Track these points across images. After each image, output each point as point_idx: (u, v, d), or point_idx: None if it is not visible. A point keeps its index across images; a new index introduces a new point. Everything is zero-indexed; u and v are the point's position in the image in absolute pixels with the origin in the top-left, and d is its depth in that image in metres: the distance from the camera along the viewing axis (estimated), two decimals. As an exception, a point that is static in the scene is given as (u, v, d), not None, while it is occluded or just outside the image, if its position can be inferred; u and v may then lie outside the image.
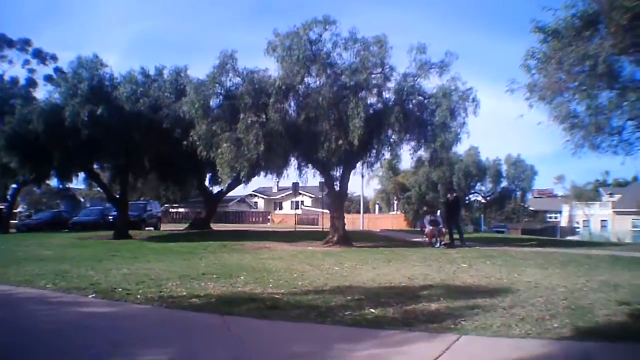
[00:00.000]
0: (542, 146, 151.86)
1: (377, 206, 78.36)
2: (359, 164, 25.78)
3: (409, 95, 22.86)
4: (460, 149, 28.45)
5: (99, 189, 69.35)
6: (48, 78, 48.01)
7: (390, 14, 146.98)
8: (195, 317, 7.70)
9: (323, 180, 25.64)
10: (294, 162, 25.28)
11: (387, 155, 25.94)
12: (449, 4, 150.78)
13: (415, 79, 22.78)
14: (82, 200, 67.88)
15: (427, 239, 23.39)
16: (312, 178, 26.87)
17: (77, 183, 36.24)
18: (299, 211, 72.55)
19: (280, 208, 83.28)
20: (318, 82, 22.48)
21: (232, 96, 22.46)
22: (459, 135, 22.57)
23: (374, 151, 25.12)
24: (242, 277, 11.63)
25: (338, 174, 25.36)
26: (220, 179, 22.84)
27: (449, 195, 24.92)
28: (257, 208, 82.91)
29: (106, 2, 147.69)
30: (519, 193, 68.43)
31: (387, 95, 23.11)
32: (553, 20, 20.27)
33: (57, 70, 47.46)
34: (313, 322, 7.28)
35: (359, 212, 61.71)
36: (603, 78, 20.39)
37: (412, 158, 26.17)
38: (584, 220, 79.43)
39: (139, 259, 16.45)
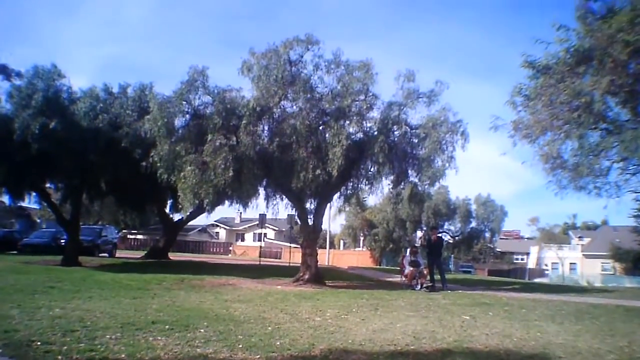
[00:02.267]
0: (511, 187, 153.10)
1: (342, 242, 76.61)
2: (335, 197, 23.99)
3: (394, 125, 21.12)
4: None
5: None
6: (11, 95, 45.66)
7: (374, 44, 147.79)
8: None
9: (296, 213, 23.64)
10: (264, 191, 23.46)
11: (366, 189, 24.18)
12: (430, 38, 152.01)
13: (402, 108, 21.13)
14: (38, 220, 64.69)
15: (406, 280, 21.95)
16: (284, 210, 25.23)
17: (31, 202, 33.69)
18: (262, 244, 70.61)
19: (243, 240, 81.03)
20: (296, 106, 20.70)
21: (200, 116, 20.58)
22: (447, 169, 20.79)
23: (352, 184, 23.44)
24: (202, 330, 9.25)
25: (312, 206, 23.43)
26: (181, 206, 20.60)
27: (432, 236, 23.11)
28: (218, 238, 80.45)
29: (75, 25, 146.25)
30: (487, 234, 67.38)
31: (371, 124, 21.30)
32: (543, 55, 19.51)
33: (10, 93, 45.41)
34: None
35: (324, 248, 60.09)
36: (592, 117, 19.45)
37: (391, 193, 24.55)
38: (552, 263, 79.10)
39: (80, 294, 14.06)
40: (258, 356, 7.56)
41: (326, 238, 57.05)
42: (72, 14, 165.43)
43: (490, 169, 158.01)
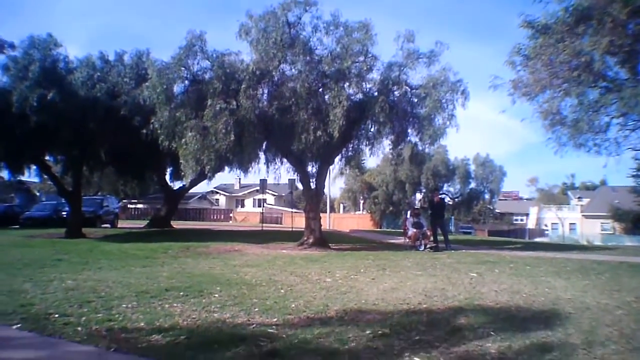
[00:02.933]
0: (509, 146, 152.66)
1: (342, 205, 76.71)
2: (337, 159, 23.88)
3: (395, 85, 20.97)
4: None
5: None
6: (4, 67, 45.24)
7: (372, 5, 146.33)
8: None
9: (298, 176, 23.49)
10: (264, 156, 23.21)
11: (366, 150, 24.06)
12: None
13: (402, 68, 20.89)
14: (37, 194, 64.47)
15: (409, 241, 21.99)
16: (286, 174, 25.19)
17: (30, 176, 33.47)
18: (263, 209, 70.66)
19: (242, 206, 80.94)
20: (295, 69, 20.44)
21: (199, 81, 20.31)
22: (447, 127, 20.63)
23: (353, 145, 23.30)
24: (216, 295, 9.26)
25: (314, 169, 23.31)
26: (183, 173, 20.43)
27: (434, 197, 23.05)
28: (218, 205, 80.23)
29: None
30: (487, 195, 67.54)
31: (370, 85, 21.12)
32: (542, 15, 19.61)
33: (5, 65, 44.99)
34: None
35: (324, 212, 60.06)
36: (591, 76, 19.45)
37: (391, 154, 24.44)
38: (552, 223, 79.21)
39: (90, 266, 14.02)
40: (275, 319, 7.53)
41: (326, 202, 57.05)
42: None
43: (489, 128, 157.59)
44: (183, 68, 20.07)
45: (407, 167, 58.39)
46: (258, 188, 75.08)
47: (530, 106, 21.32)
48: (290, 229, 33.10)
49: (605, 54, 18.30)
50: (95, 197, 41.89)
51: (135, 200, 65.40)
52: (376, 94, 20.27)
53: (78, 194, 28.61)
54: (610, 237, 60.13)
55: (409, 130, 22.05)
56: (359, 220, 60.85)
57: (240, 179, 78.35)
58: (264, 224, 39.75)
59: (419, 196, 65.06)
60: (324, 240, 22.02)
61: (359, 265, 14.69)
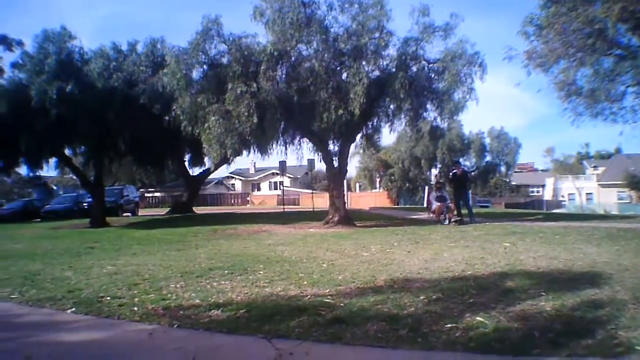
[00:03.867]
0: (522, 119, 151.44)
1: (357, 184, 76.66)
2: (358, 137, 23.87)
3: (412, 61, 20.92)
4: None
5: (72, 175, 67.48)
6: (15, 65, 45.41)
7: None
8: (234, 344, 5.45)
9: (320, 156, 23.41)
10: (284, 137, 23.21)
11: (386, 127, 24.02)
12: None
13: (419, 43, 20.77)
14: (55, 188, 64.92)
15: (434, 215, 22.02)
16: (308, 154, 25.10)
17: (49, 170, 33.62)
18: (278, 192, 70.72)
19: (259, 189, 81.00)
20: (312, 48, 20.37)
21: (218, 65, 20.33)
22: (467, 101, 20.48)
23: (373, 123, 23.38)
24: (261, 272, 9.40)
25: (335, 148, 23.26)
26: (207, 157, 20.52)
27: (456, 170, 23.00)
28: (234, 190, 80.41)
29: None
30: (502, 167, 67.36)
31: (388, 61, 21.00)
32: None
33: (21, 62, 45.11)
34: (414, 345, 5.17)
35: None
36: (606, 44, 19.33)
37: (411, 129, 24.43)
38: (569, 194, 78.75)
39: (124, 252, 14.20)
40: (327, 290, 7.65)
41: (351, 181, 57.15)
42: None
43: (501, 102, 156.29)
44: (201, 53, 20.05)
45: (423, 143, 58.53)
46: (273, 171, 76.07)
47: (545, 77, 21.21)
48: (312, 209, 33.18)
49: (618, 21, 18.14)
50: (114, 187, 42.05)
51: (153, 189, 65.78)
52: (395, 70, 20.12)
53: (100, 184, 28.86)
54: (627, 207, 59.47)
55: (428, 106, 21.96)
56: (376, 198, 60.78)
57: (255, 163, 78.62)
58: (284, 206, 39.90)
59: (434, 172, 64.97)
60: (349, 217, 22.06)
61: (391, 240, 14.75)
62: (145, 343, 5.62)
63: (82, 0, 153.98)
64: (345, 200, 45.92)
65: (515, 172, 79.14)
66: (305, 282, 8.28)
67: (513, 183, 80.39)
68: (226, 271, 9.58)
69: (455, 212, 21.30)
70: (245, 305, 6.77)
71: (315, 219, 23.85)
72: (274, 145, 22.95)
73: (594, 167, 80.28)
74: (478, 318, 5.83)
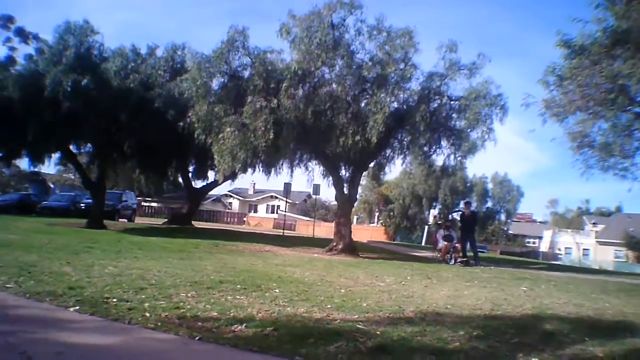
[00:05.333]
0: (522, 168, 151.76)
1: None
2: (370, 166, 23.46)
3: (435, 95, 20.63)
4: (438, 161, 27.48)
5: (70, 175, 66.82)
6: (29, 57, 45.28)
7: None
8: None
9: (332, 181, 22.96)
10: (298, 157, 23.07)
11: (399, 159, 23.79)
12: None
13: (443, 79, 20.54)
14: (52, 186, 64.40)
15: (439, 254, 21.59)
16: (317, 178, 24.80)
17: (49, 167, 33.21)
18: (275, 215, 70.37)
19: (256, 211, 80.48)
20: (336, 72, 20.02)
21: (239, 77, 20.09)
22: (486, 141, 20.17)
23: (386, 153, 23.11)
24: (276, 291, 8.86)
25: (347, 175, 22.87)
26: (216, 169, 20.05)
27: (466, 210, 22.55)
28: (231, 209, 79.93)
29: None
30: (502, 215, 67.11)
31: (409, 94, 20.68)
32: (578, 35, 19.04)
33: (39, 50, 45.07)
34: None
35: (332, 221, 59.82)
36: (627, 100, 19.28)
37: (423, 164, 24.15)
38: (566, 248, 78.45)
39: (125, 254, 13.66)
40: (356, 316, 7.17)
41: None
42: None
43: (504, 149, 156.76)
44: (223, 63, 19.70)
45: (426, 182, 58.25)
46: (272, 194, 75.66)
47: (559, 128, 21.20)
48: (312, 236, 32.76)
49: None
50: (114, 191, 41.54)
51: (150, 198, 65.18)
52: (416, 103, 19.85)
53: (102, 185, 28.38)
54: (623, 266, 59.00)
55: (443, 142, 21.68)
56: (372, 232, 60.30)
57: (255, 184, 78.40)
58: (280, 230, 39.47)
59: (433, 212, 64.58)
60: (354, 247, 21.60)
61: (402, 273, 14.29)
62: (166, 355, 5.11)
63: (105, 2, 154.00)
64: (329, 230, 45.67)
65: (513, 221, 78.86)
66: (329, 306, 7.77)
67: (510, 232, 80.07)
68: (238, 286, 9.03)
69: (460, 253, 20.85)
70: (271, 323, 6.23)
71: (317, 245, 23.48)
72: (284, 165, 22.73)
73: (594, 223, 79.93)
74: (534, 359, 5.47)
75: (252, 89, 18.78)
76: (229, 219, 67.05)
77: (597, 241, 74.05)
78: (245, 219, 68.20)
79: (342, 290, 9.67)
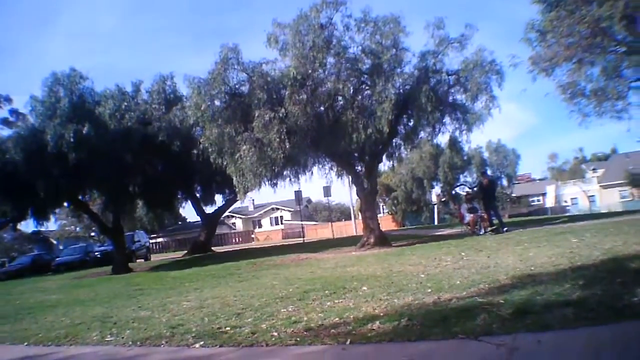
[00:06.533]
0: (510, 132, 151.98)
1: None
2: (384, 156, 23.49)
3: (433, 74, 20.71)
4: (443, 139, 27.86)
5: (72, 227, 66.50)
6: (4, 121, 44.98)
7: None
8: (438, 348, 4.99)
9: (350, 178, 23.09)
10: (314, 161, 23.18)
11: (406, 145, 23.97)
12: None
13: (436, 56, 20.58)
14: (55, 242, 64.10)
15: (469, 228, 21.49)
16: (329, 178, 25.10)
17: (48, 225, 32.96)
18: (281, 226, 70.41)
19: (260, 226, 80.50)
20: (335, 69, 20.04)
21: (239, 94, 20.10)
22: (491, 109, 20.18)
23: (395, 141, 23.14)
24: (364, 288, 8.87)
25: (363, 169, 22.89)
26: (237, 189, 19.86)
27: (483, 180, 22.67)
28: (236, 229, 79.84)
29: (48, 43, 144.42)
30: (504, 180, 67.33)
31: (407, 77, 20.66)
32: None
33: (13, 111, 44.83)
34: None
35: (341, 221, 60.14)
36: (610, 42, 19.59)
37: (430, 143, 24.29)
38: (571, 198, 78.59)
39: (180, 289, 13.53)
40: (464, 293, 7.24)
41: (351, 208, 56.85)
42: (42, 33, 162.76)
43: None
44: (222, 82, 19.65)
45: (424, 163, 58.52)
46: (273, 207, 75.77)
47: (546, 82, 21.56)
48: (332, 237, 32.79)
49: (622, 18, 18.23)
50: (126, 233, 41.55)
51: (154, 235, 64.99)
52: (417, 84, 19.88)
53: (120, 229, 28.28)
54: (631, 204, 59.30)
55: (446, 119, 21.74)
56: (381, 222, 59.99)
57: (254, 200, 78.36)
58: (287, 239, 39.47)
59: (435, 191, 64.68)
60: (385, 238, 21.60)
61: (451, 251, 14.26)
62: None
63: (64, 53, 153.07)
64: (349, 228, 45.71)
65: (514, 183, 79.09)
66: (429, 291, 7.79)
67: (513, 194, 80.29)
68: (326, 292, 9.01)
69: (487, 222, 20.92)
70: (398, 315, 6.23)
71: (344, 244, 23.69)
72: (298, 173, 22.85)
73: (593, 169, 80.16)
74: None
75: (256, 103, 18.81)
76: (236, 239, 66.91)
77: (600, 186, 74.18)
78: (253, 235, 68.15)
79: (422, 275, 9.71)
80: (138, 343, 7.16)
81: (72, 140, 21.47)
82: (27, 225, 50.18)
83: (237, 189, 20.13)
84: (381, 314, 6.53)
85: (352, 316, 6.65)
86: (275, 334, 6.35)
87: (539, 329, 4.93)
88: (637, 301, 5.36)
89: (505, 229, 20.27)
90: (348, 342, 5.51)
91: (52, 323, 9.99)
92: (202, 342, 6.58)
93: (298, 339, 5.99)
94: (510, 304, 5.95)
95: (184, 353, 6.34)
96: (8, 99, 48.37)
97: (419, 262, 12.24)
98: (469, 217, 21.43)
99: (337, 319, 6.63)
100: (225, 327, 7.15)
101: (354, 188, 24.78)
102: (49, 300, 15.26)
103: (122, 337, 7.61)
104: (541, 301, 5.88)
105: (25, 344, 8.30)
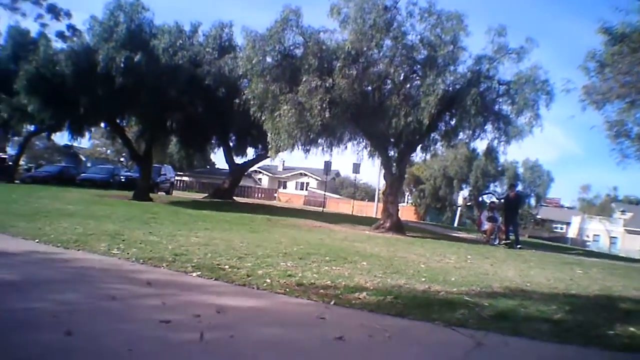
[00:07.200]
0: (550, 154, 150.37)
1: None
2: (419, 147, 23.68)
3: (486, 79, 20.74)
4: (480, 145, 27.90)
5: (103, 149, 67.61)
6: (60, 34, 45.72)
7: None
8: (416, 328, 5.31)
9: (380, 160, 23.35)
10: (349, 135, 23.52)
11: (443, 142, 24.24)
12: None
13: (492, 62, 20.56)
14: (84, 159, 65.30)
15: (484, 236, 21.91)
16: (367, 158, 25.19)
17: (81, 142, 33.73)
18: (305, 192, 70.79)
19: (285, 187, 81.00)
20: (388, 53, 20.15)
21: (292, 56, 20.27)
22: (534, 126, 20.20)
23: (433, 135, 23.23)
24: (364, 263, 9.33)
25: (395, 155, 23.12)
26: (270, 147, 20.17)
27: (510, 193, 22.79)
28: (261, 185, 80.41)
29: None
30: (532, 199, 66.80)
31: (459, 77, 20.69)
32: (618, 23, 19.58)
33: (70, 27, 45.56)
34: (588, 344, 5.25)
35: (364, 200, 60.27)
36: None
37: (467, 146, 24.43)
38: (594, 235, 77.83)
39: (192, 226, 14.08)
40: (455, 289, 7.56)
41: (376, 191, 57.01)
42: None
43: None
44: (277, 42, 19.92)
45: (457, 164, 58.33)
46: (301, 172, 76.15)
47: (595, 115, 21.52)
48: (351, 213, 33.09)
49: None
50: (154, 164, 42.24)
51: (181, 172, 65.80)
52: (466, 85, 19.94)
53: (150, 158, 28.84)
54: (650, 255, 58.70)
55: (487, 126, 21.72)
56: (403, 211, 59.58)
57: (284, 161, 78.71)
58: (308, 206, 39.71)
59: (462, 194, 64.48)
60: (401, 225, 21.88)
61: (459, 252, 14.60)
62: (321, 317, 5.42)
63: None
64: (371, 210, 45.91)
65: (541, 205, 78.48)
66: (423, 279, 8.18)
67: (539, 216, 79.64)
68: (327, 257, 9.50)
69: (504, 235, 21.09)
70: (386, 292, 6.65)
71: (360, 223, 23.97)
72: (331, 144, 23.15)
73: (622, 211, 79.23)
74: (631, 328, 5.85)
75: (306, 68, 19.03)
76: (259, 194, 67.33)
77: (625, 229, 73.44)
78: (275, 195, 68.51)
79: (422, 266, 10.07)
80: (141, 261, 7.74)
81: (122, 65, 21.85)
82: (61, 138, 51.62)
83: (270, 146, 20.47)
84: (370, 287, 6.96)
85: (343, 283, 7.09)
86: (269, 281, 6.87)
87: (511, 333, 5.24)
88: (612, 334, 5.60)
89: (519, 246, 20.33)
90: (332, 303, 5.93)
91: (65, 229, 10.62)
92: (199, 273, 7.12)
93: (288, 290, 6.46)
94: (493, 308, 6.27)
95: (181, 278, 6.86)
96: (68, 14, 49.31)
97: (424, 254, 12.57)
98: (487, 225, 21.66)
99: (328, 282, 7.10)
100: (224, 265, 7.68)
101: (383, 171, 25.01)
102: (66, 210, 15.88)
103: (128, 253, 8.20)
104: (523, 313, 6.18)
105: (37, 240, 8.90)
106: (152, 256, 7.99)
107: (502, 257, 14.63)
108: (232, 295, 6.04)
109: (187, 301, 5.62)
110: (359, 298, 6.24)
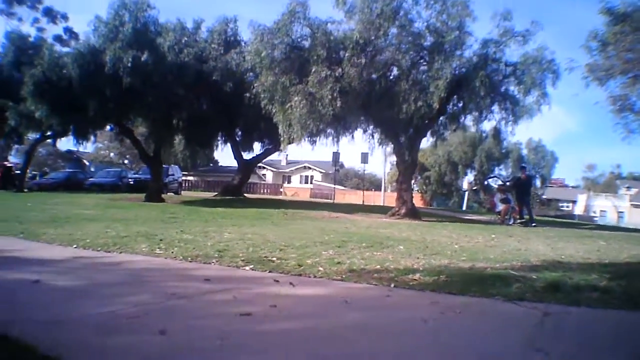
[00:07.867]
0: (552, 133, 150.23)
1: (390, 185, 76.55)
2: (429, 132, 23.77)
3: (493, 62, 20.80)
4: (486, 127, 28.24)
5: (107, 152, 67.56)
6: (58, 38, 45.73)
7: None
8: (478, 303, 5.37)
9: (393, 148, 23.47)
10: (360, 124, 23.58)
11: (451, 126, 24.58)
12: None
13: (498, 45, 20.64)
14: (87, 164, 65.30)
15: (499, 217, 21.94)
16: (378, 147, 25.71)
17: (86, 146, 33.66)
18: (310, 185, 70.81)
19: (289, 182, 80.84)
20: (396, 40, 20.26)
21: (300, 47, 20.38)
22: (542, 105, 20.38)
23: (441, 120, 23.45)
24: (401, 247, 9.41)
25: (406, 141, 23.17)
26: (282, 139, 20.24)
27: (521, 175, 23.00)
28: (265, 180, 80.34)
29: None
30: (538, 180, 66.89)
31: (465, 60, 20.74)
32: (620, 2, 20.23)
33: (67, 30, 45.71)
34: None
35: (370, 190, 60.35)
36: None
37: (475, 128, 24.58)
38: (601, 211, 78.21)
39: (216, 223, 14.10)
40: (497, 265, 7.69)
41: (383, 180, 57.21)
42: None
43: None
44: (285, 34, 19.98)
45: (462, 149, 58.42)
46: (305, 165, 76.06)
47: (598, 92, 21.79)
48: (361, 203, 33.33)
49: None
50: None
51: (186, 172, 65.80)
52: (473, 68, 20.02)
53: (159, 159, 28.87)
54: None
55: (494, 107, 21.82)
56: (412, 198, 60.54)
57: (287, 155, 78.66)
58: (315, 199, 39.74)
59: (467, 178, 64.58)
60: (416, 211, 22.03)
61: (482, 232, 14.66)
62: (388, 299, 5.50)
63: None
64: (378, 199, 45.96)
65: (546, 186, 78.67)
66: (463, 258, 8.26)
67: (544, 197, 79.83)
68: (363, 244, 9.56)
69: (518, 215, 21.27)
70: (437, 272, 6.70)
71: (373, 211, 24.07)
72: (339, 133, 23.26)
73: (627, 187, 79.82)
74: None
75: (315, 59, 19.11)
76: (264, 190, 67.25)
77: (631, 204, 74.12)
78: (281, 189, 68.44)
79: (456, 246, 10.18)
80: (189, 259, 7.69)
81: (129, 65, 21.92)
82: (62, 144, 51.66)
83: (281, 138, 20.56)
84: (420, 269, 7.01)
85: (392, 267, 7.15)
86: (321, 269, 6.89)
87: (568, 303, 5.30)
88: None
89: (533, 224, 20.53)
90: (392, 286, 5.99)
91: (96, 233, 10.50)
92: (252, 266, 7.10)
93: (344, 276, 6.49)
94: (542, 280, 6.32)
95: (235, 272, 6.85)
96: (65, 17, 49.39)
97: (450, 236, 12.70)
98: (501, 206, 21.73)
99: (378, 266, 7.14)
100: (271, 257, 7.71)
101: (389, 160, 25.20)
102: (85, 214, 15.89)
103: (172, 252, 8.17)
104: (571, 283, 6.23)
105: (74, 246, 8.80)
106: (197, 254, 7.97)
107: (523, 234, 14.74)
108: (290, 285, 5.99)
109: (256, 293, 5.62)
110: (415, 279, 6.29)
